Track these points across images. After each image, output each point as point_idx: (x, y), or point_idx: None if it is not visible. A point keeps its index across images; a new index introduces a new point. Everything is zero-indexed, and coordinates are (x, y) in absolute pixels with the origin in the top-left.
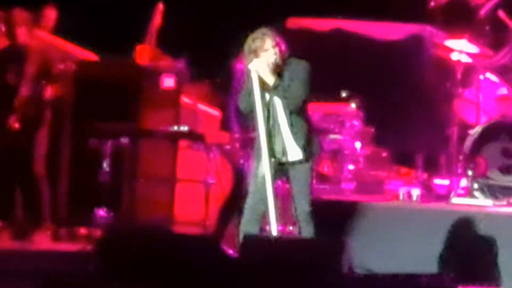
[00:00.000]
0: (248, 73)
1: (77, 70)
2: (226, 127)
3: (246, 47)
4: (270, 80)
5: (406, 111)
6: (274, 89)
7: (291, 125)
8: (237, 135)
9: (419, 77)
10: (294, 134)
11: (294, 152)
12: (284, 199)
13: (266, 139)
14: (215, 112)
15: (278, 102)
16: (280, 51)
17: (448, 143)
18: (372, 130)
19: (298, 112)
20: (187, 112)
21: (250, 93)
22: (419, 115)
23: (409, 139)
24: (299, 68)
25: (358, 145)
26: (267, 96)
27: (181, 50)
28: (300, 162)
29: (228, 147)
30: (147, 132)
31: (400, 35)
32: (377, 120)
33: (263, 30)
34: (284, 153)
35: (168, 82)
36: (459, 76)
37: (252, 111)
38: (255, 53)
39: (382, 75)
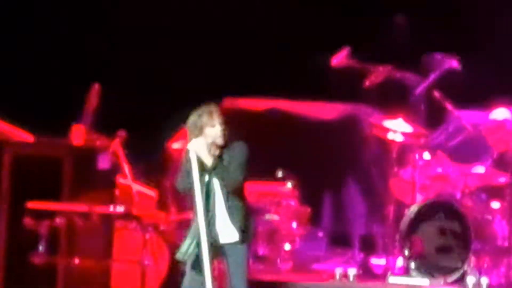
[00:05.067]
0: (187, 152)
1: (13, 150)
2: (162, 208)
3: (191, 122)
4: (208, 160)
5: (343, 191)
6: (213, 170)
7: (229, 207)
8: (173, 216)
9: (354, 157)
10: (231, 215)
11: (230, 234)
12: (222, 279)
13: (204, 219)
14: (151, 193)
15: (216, 183)
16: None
17: (385, 222)
18: (308, 210)
19: (235, 194)
20: (123, 192)
21: (189, 173)
22: (355, 194)
23: (345, 218)
24: (238, 150)
25: (294, 225)
26: (206, 177)
27: (116, 131)
28: (236, 244)
29: (164, 227)
30: (83, 212)
31: (335, 115)
32: (313, 200)
33: (210, 106)
34: (221, 234)
35: (104, 162)
36: (394, 155)
37: (190, 191)
38: (200, 129)
39: (318, 155)
